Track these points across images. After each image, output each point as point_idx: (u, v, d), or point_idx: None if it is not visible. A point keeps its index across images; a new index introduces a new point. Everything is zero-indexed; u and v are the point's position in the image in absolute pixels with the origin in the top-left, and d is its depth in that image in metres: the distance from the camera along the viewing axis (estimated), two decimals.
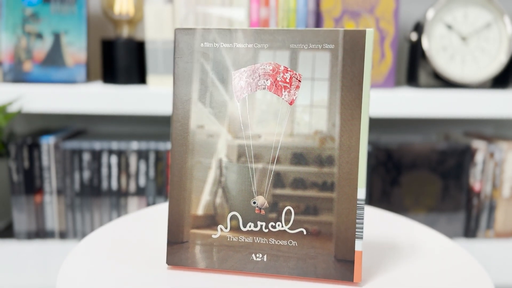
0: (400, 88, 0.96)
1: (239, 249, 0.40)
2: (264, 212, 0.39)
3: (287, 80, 0.39)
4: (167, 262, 0.41)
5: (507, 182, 0.94)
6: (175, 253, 0.40)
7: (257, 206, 0.39)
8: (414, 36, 0.94)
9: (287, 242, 0.39)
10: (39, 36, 0.89)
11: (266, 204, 0.39)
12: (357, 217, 0.38)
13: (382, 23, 0.88)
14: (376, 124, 1.10)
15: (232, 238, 0.40)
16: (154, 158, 0.89)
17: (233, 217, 0.40)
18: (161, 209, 0.57)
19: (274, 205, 0.39)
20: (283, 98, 0.39)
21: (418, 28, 0.94)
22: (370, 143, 0.93)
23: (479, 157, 0.93)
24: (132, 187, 0.89)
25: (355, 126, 0.38)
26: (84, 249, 0.45)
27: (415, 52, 0.95)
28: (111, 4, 0.90)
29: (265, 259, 0.39)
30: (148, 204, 0.90)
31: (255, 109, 0.39)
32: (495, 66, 0.92)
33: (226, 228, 0.40)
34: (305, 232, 0.39)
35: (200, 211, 0.40)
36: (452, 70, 0.92)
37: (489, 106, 0.88)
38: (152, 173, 0.89)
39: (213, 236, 0.40)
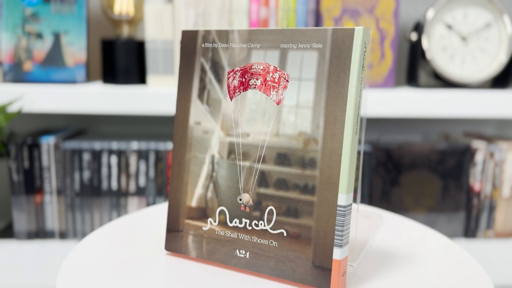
0: (400, 88, 0.96)
1: (225, 243, 0.41)
2: (248, 210, 0.40)
3: (276, 80, 0.39)
4: (165, 248, 0.43)
5: (507, 182, 0.94)
6: (172, 240, 0.43)
7: (243, 203, 0.40)
8: (414, 36, 0.94)
9: (268, 242, 0.39)
10: (39, 36, 0.89)
11: (250, 202, 0.40)
12: (337, 224, 0.36)
13: (382, 23, 0.88)
14: (376, 124, 1.10)
15: (220, 232, 0.41)
16: (154, 158, 0.89)
17: (221, 212, 0.41)
18: (161, 209, 0.57)
19: (258, 203, 0.39)
20: (271, 98, 0.39)
21: (418, 28, 0.94)
22: (370, 143, 0.93)
23: (479, 157, 0.93)
24: (132, 187, 0.89)
25: (338, 129, 0.36)
26: (84, 249, 0.45)
27: (415, 52, 0.95)
28: (111, 4, 0.90)
29: (247, 256, 0.40)
30: (148, 204, 0.90)
31: (246, 108, 0.40)
32: (495, 66, 0.92)
33: (215, 221, 0.41)
34: (285, 234, 0.38)
35: (194, 203, 0.42)
36: (452, 70, 0.92)
37: (489, 106, 0.88)
38: (152, 173, 0.89)
39: (203, 228, 0.42)
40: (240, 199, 0.40)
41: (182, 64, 0.43)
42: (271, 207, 0.39)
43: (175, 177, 0.43)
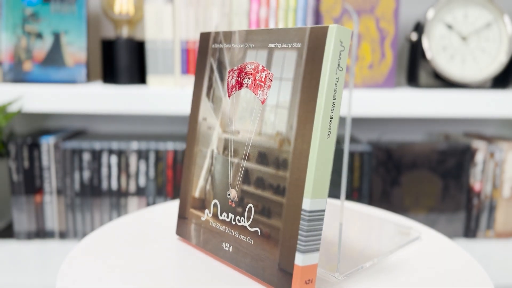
0: (400, 88, 0.96)
1: (216, 235, 0.42)
2: (234, 205, 0.41)
3: (263, 80, 0.39)
4: (176, 232, 0.47)
5: (507, 182, 0.94)
6: (180, 226, 0.46)
7: (230, 198, 0.41)
8: (414, 36, 0.94)
9: (246, 239, 0.39)
10: (39, 36, 0.89)
11: (236, 198, 0.41)
12: (300, 228, 0.35)
13: (382, 23, 0.88)
14: (376, 124, 1.10)
15: (212, 224, 0.43)
16: (154, 158, 0.89)
17: (215, 205, 0.43)
18: (161, 209, 0.57)
19: (241, 200, 0.40)
20: (257, 97, 0.39)
21: (418, 28, 0.94)
22: (370, 143, 0.93)
23: (479, 157, 0.93)
24: (132, 187, 0.89)
25: (307, 130, 0.35)
26: (84, 249, 0.45)
27: (415, 52, 0.95)
28: (111, 4, 0.90)
29: (230, 250, 0.41)
30: (148, 204, 0.90)
31: (239, 106, 0.41)
32: (495, 66, 0.92)
33: (210, 213, 0.43)
34: (259, 233, 0.38)
35: (197, 193, 0.44)
36: (452, 70, 0.92)
37: (489, 106, 0.88)
38: (152, 173, 0.89)
39: (201, 218, 0.44)
40: (229, 194, 0.41)
41: (197, 64, 0.46)
42: (250, 204, 0.39)
43: (185, 168, 0.46)
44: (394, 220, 0.55)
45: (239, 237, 0.40)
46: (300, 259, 0.35)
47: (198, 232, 0.44)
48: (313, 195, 0.35)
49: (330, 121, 0.35)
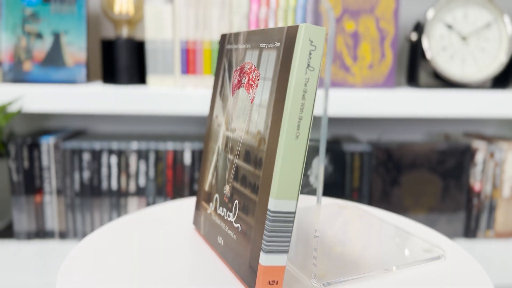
0: (400, 88, 0.96)
1: (215, 228, 0.43)
2: (227, 201, 0.41)
3: (253, 79, 0.39)
4: (193, 222, 0.49)
5: (507, 182, 0.94)
6: (195, 216, 0.49)
7: (225, 194, 0.42)
8: (414, 36, 0.94)
9: (232, 234, 0.40)
10: (39, 36, 0.89)
11: (228, 194, 0.41)
12: (265, 228, 0.34)
13: (382, 23, 0.88)
14: (376, 124, 1.10)
15: (213, 217, 0.44)
16: (154, 158, 0.89)
17: (216, 199, 0.44)
18: (161, 209, 0.57)
19: (231, 196, 0.41)
20: (249, 96, 0.40)
21: (418, 28, 0.94)
22: (370, 143, 0.93)
23: (479, 157, 0.93)
24: (132, 187, 0.89)
25: (277, 130, 0.34)
26: (84, 249, 0.45)
27: (415, 52, 0.95)
28: (111, 4, 0.90)
29: (222, 244, 0.41)
30: (148, 204, 0.90)
31: (237, 105, 0.42)
32: (495, 66, 0.92)
33: (212, 206, 0.44)
34: (240, 229, 0.38)
35: (206, 187, 0.46)
36: (452, 70, 0.92)
37: (489, 106, 0.88)
38: (152, 173, 0.89)
39: (208, 211, 0.45)
40: (225, 190, 0.42)
41: (217, 64, 0.47)
42: (236, 201, 0.40)
43: (202, 163, 0.48)
44: (418, 235, 0.52)
45: (228, 232, 0.40)
46: (263, 259, 0.35)
47: (205, 223, 0.46)
48: (278, 196, 0.34)
49: (299, 122, 0.34)
